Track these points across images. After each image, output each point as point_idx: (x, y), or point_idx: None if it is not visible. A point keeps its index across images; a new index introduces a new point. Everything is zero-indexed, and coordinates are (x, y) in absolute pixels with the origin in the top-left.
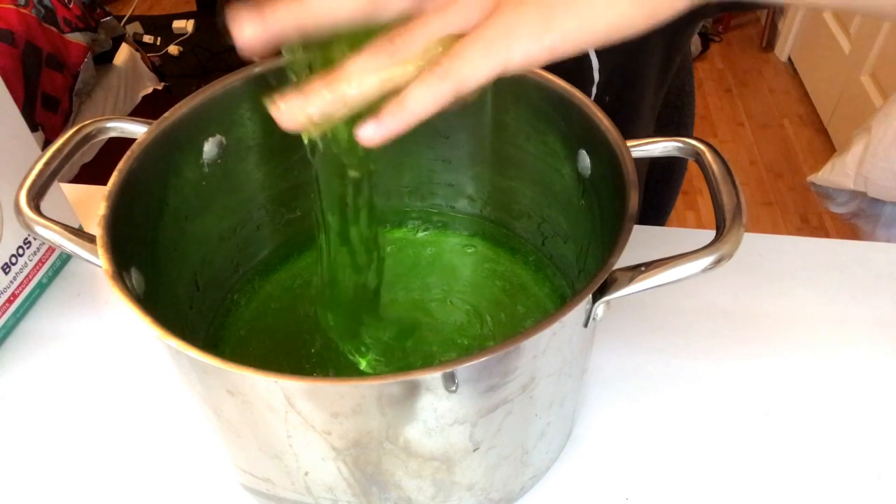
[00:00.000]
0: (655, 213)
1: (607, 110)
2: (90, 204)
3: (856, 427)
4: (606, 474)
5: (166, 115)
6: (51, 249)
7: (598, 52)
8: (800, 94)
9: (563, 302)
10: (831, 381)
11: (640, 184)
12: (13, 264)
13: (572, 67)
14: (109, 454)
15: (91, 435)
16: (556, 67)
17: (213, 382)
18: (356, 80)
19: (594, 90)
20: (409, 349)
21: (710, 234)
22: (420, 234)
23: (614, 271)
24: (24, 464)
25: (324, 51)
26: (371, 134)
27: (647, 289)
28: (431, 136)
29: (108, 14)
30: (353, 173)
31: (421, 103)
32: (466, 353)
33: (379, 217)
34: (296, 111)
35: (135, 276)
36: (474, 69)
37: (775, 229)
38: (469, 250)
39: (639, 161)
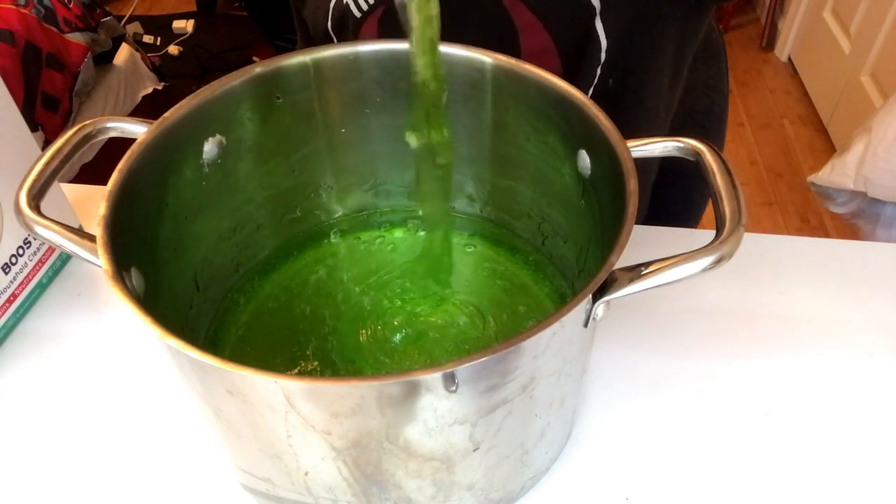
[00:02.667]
0: (687, 211)
1: (610, 95)
2: (90, 204)
3: (856, 427)
4: (606, 474)
5: (166, 115)
6: (51, 249)
7: (608, 32)
8: (800, 94)
9: (563, 302)
10: (831, 381)
11: (648, 184)
12: (13, 264)
13: (582, 45)
14: (109, 454)
15: (91, 435)
16: (565, 44)
17: (213, 382)
18: None
19: (599, 71)
20: (409, 349)
21: (710, 234)
22: (420, 234)
23: (614, 271)
24: (25, 464)
25: None
26: None
27: (647, 289)
28: None
29: (108, 14)
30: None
31: None
32: (466, 352)
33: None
34: None
35: (135, 276)
36: None
37: (775, 229)
38: (469, 250)
39: (650, 164)
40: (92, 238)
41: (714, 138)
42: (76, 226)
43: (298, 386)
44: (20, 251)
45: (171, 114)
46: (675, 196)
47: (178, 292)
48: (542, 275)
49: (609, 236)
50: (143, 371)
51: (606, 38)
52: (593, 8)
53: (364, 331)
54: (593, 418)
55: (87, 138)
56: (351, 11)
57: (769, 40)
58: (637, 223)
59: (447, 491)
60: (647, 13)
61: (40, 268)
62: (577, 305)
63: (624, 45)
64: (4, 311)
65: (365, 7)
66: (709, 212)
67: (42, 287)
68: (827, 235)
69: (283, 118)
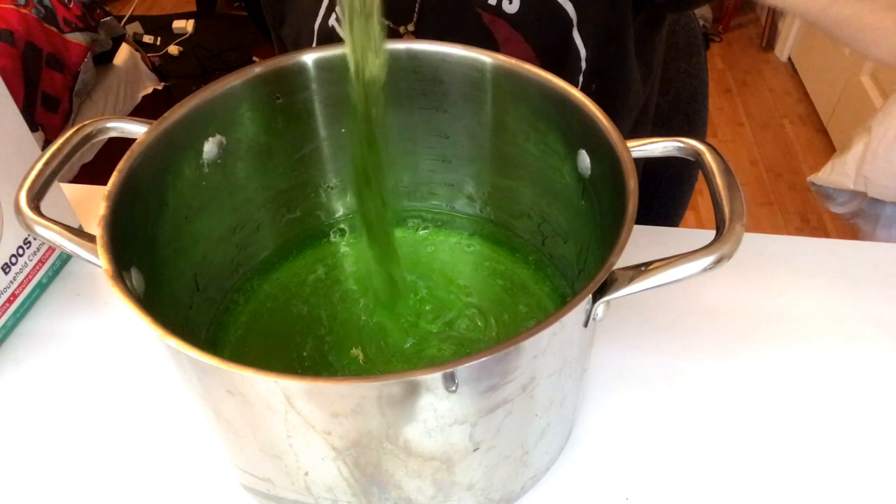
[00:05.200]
0: (665, 216)
1: (595, 99)
2: (90, 204)
3: (856, 427)
4: (606, 474)
5: (166, 115)
6: (51, 249)
7: (585, 41)
8: (800, 94)
9: (563, 302)
10: (831, 381)
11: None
12: (13, 264)
13: (562, 54)
14: (109, 454)
15: (91, 435)
16: (546, 54)
17: (213, 382)
18: None
19: (581, 79)
20: (409, 349)
21: (710, 234)
22: (420, 233)
23: (614, 271)
24: (24, 464)
25: None
26: None
27: (647, 289)
28: (431, 135)
29: (108, 14)
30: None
31: None
32: (466, 352)
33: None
34: None
35: (135, 276)
36: None
37: (775, 229)
38: (469, 249)
39: (640, 161)
40: (92, 238)
41: (698, 125)
42: (76, 226)
43: (298, 386)
44: (20, 251)
45: (171, 114)
46: (664, 185)
47: (177, 292)
48: (542, 275)
49: (609, 236)
50: (143, 371)
51: (585, 47)
52: (570, 19)
53: (363, 330)
54: (593, 418)
55: (87, 138)
56: (337, 34)
57: (769, 40)
58: (636, 223)
59: (447, 491)
60: (622, 21)
61: (40, 268)
62: (577, 305)
63: (602, 52)
64: (4, 311)
65: None
66: (708, 210)
67: (42, 287)
68: (827, 235)
69: (283, 118)
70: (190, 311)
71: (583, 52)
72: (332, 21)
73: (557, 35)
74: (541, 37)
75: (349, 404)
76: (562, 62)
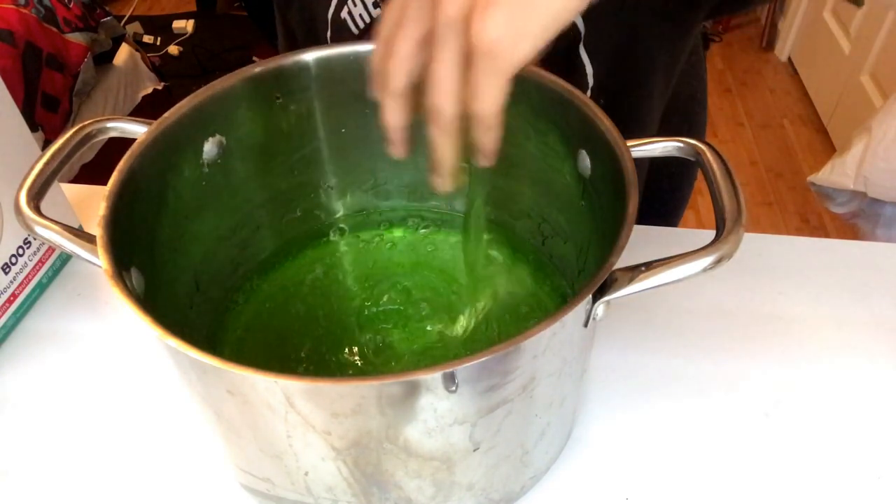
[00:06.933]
0: (665, 215)
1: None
2: (90, 204)
3: (856, 427)
4: (606, 474)
5: (166, 115)
6: (51, 249)
7: (593, 57)
8: (800, 94)
9: (563, 302)
10: (831, 381)
11: (641, 184)
12: (13, 264)
13: (566, 71)
14: (110, 454)
15: (91, 435)
16: (554, 69)
17: (213, 382)
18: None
19: (588, 94)
20: (409, 349)
21: (710, 234)
22: (420, 233)
23: (614, 271)
24: (25, 463)
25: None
26: (484, 160)
27: (647, 289)
28: None
29: (108, 14)
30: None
31: (491, 101)
32: (466, 352)
33: None
34: (445, 176)
35: (135, 276)
36: (500, 38)
37: (775, 229)
38: None
39: (642, 162)
40: (92, 238)
41: (697, 125)
42: (76, 226)
43: (298, 386)
44: (20, 251)
45: (171, 114)
46: (664, 185)
47: (177, 292)
48: (542, 275)
49: (609, 236)
50: (144, 371)
51: (591, 63)
52: (578, 34)
53: (364, 330)
54: (593, 418)
55: (87, 138)
56: (348, 27)
57: (769, 40)
58: (636, 223)
59: (447, 491)
60: (634, 38)
61: (40, 268)
62: (577, 305)
63: (612, 69)
64: (4, 311)
65: (362, 25)
66: (708, 210)
67: (42, 287)
68: (827, 235)
69: (283, 118)
70: (190, 311)
71: (589, 67)
72: (343, 13)
73: (566, 50)
74: (549, 51)
75: (349, 404)
76: (567, 77)
